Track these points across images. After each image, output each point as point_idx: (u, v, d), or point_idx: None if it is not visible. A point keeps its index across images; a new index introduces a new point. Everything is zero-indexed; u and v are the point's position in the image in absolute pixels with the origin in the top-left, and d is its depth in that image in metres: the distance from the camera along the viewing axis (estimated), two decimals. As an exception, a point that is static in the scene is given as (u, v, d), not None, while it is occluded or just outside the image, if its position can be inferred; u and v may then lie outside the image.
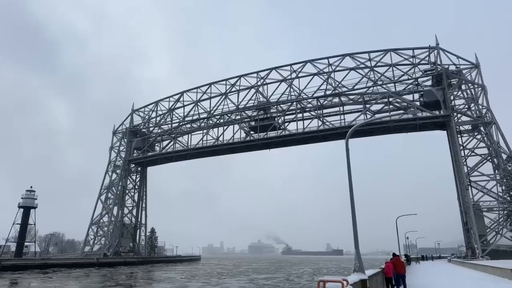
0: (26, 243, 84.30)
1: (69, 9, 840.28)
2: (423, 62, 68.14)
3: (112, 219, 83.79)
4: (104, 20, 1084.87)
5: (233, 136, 78.88)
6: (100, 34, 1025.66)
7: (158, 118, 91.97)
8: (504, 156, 56.44)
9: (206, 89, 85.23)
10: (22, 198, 79.78)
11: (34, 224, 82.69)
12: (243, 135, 79.01)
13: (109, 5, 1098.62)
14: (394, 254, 16.93)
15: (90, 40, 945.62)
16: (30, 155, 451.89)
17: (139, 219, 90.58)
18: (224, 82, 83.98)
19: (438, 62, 65.87)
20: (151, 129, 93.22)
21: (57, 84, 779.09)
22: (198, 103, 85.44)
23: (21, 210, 79.43)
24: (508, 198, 53.20)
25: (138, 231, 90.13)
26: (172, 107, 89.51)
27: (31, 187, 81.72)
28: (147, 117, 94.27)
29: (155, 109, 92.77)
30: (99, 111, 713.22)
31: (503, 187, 54.60)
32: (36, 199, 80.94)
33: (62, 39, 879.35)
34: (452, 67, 65.61)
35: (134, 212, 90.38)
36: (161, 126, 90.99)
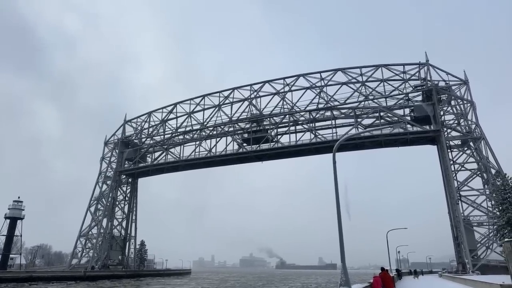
0: (11, 255, 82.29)
1: (58, 10, 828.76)
2: (413, 78, 69.53)
3: (101, 231, 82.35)
4: (94, 23, 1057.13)
5: (225, 148, 78.90)
6: (90, 37, 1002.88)
7: (151, 129, 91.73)
8: (493, 171, 57.14)
9: (200, 101, 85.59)
10: (8, 209, 78.26)
11: (21, 236, 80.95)
12: (236, 147, 79.08)
13: (100, 7, 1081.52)
14: (382, 269, 16.90)
15: (80, 43, 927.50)
16: (15, 164, 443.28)
17: (128, 232, 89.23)
18: (217, 94, 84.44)
19: (428, 78, 67.21)
20: (143, 140, 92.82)
21: (45, 89, 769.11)
22: (191, 115, 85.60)
23: (7, 221, 77.80)
24: (498, 213, 53.57)
25: (127, 243, 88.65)
26: (165, 118, 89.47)
27: (19, 197, 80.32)
28: (139, 128, 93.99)
29: (148, 120, 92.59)
30: (89, 117, 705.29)
31: (493, 202, 55.04)
32: (23, 210, 79.51)
33: (50, 41, 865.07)
34: (442, 83, 66.94)
35: (124, 224, 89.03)
36: (154, 137, 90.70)
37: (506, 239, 23.05)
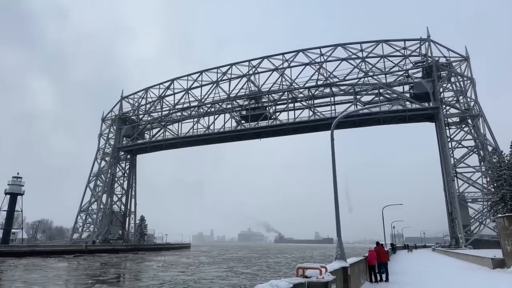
0: (13, 230, 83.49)
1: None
2: (414, 54, 68.59)
3: (101, 206, 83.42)
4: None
5: (224, 125, 78.71)
6: (82, 6, 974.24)
7: (148, 106, 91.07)
8: (490, 149, 57.45)
9: (197, 77, 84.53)
10: (8, 185, 78.63)
11: (21, 211, 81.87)
12: (234, 124, 78.90)
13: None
14: (377, 243, 17.23)
15: (72, 13, 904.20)
16: (10, 139, 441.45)
17: (128, 207, 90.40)
18: (215, 70, 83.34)
19: (429, 54, 66.30)
20: (140, 116, 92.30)
21: (38, 62, 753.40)
22: (189, 91, 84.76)
23: (7, 196, 78.42)
24: (492, 190, 54.29)
25: (127, 218, 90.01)
26: (162, 94, 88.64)
27: (18, 173, 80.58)
28: (136, 104, 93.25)
29: (145, 96, 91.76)
30: (84, 91, 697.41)
31: (488, 179, 55.65)
32: (23, 185, 79.92)
33: (41, 11, 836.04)
34: (442, 60, 66.13)
35: (123, 200, 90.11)
36: (151, 114, 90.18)
37: (499, 215, 23.48)
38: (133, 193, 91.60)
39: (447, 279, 17.02)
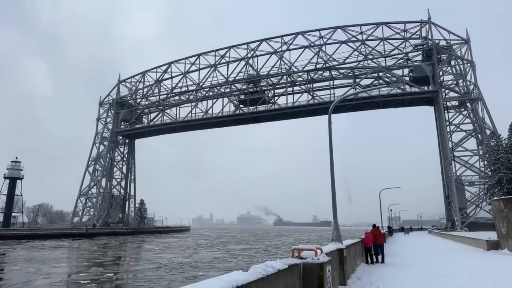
0: (13, 214, 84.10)
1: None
2: (414, 36, 67.75)
3: (101, 190, 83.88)
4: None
5: (222, 109, 78.40)
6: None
7: (146, 90, 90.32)
8: (488, 132, 57.52)
9: (195, 60, 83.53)
10: (7, 169, 78.70)
11: (21, 195, 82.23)
12: (233, 108, 78.53)
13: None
14: (374, 226, 17.42)
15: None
16: (8, 123, 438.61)
17: (128, 191, 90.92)
18: (213, 53, 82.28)
19: (429, 37, 65.51)
20: (138, 100, 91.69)
21: (32, 43, 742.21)
22: (187, 75, 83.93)
23: (7, 181, 78.62)
24: (489, 173, 54.68)
25: (127, 202, 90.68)
26: (160, 78, 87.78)
27: (16, 158, 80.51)
28: (134, 88, 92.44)
29: (142, 80, 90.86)
30: (81, 73, 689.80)
31: (485, 162, 55.99)
32: (22, 170, 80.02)
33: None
34: (443, 42, 65.42)
35: (123, 184, 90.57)
36: (149, 98, 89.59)
37: (495, 198, 23.69)
38: (132, 177, 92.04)
39: (442, 260, 17.28)
